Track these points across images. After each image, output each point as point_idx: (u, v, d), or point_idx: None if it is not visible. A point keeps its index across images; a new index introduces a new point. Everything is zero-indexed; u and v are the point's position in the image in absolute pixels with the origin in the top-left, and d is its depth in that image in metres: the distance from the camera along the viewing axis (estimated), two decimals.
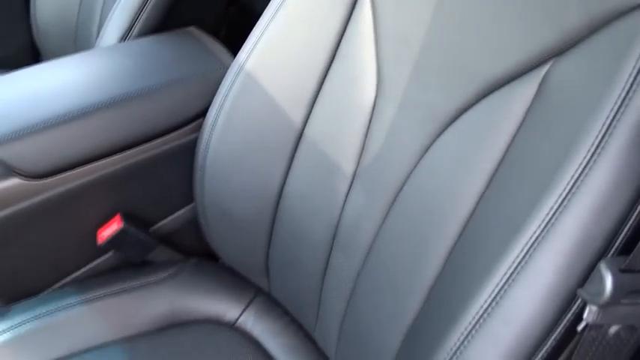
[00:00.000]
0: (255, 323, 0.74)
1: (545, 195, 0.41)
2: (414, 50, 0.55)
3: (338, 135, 0.61)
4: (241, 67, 0.67)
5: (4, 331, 0.67)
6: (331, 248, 0.63)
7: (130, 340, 0.70)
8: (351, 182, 0.60)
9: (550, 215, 0.40)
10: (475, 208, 0.48)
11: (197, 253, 0.82)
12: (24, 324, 0.68)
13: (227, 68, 0.70)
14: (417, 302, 0.51)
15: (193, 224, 0.79)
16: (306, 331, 0.73)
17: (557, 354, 0.41)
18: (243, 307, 0.75)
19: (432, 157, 0.53)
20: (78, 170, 0.69)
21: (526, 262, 0.41)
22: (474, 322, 0.42)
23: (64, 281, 0.77)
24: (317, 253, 0.64)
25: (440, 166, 0.52)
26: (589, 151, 0.39)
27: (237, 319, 0.74)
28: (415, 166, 0.54)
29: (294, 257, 0.68)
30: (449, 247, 0.49)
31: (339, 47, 0.62)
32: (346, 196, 0.60)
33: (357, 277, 0.59)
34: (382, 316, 0.55)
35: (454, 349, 0.43)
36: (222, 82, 0.69)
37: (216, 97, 0.70)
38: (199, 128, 0.72)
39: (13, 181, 0.67)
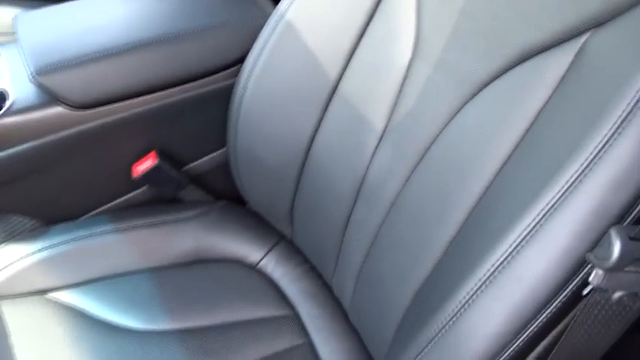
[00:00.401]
0: (275, 267, 0.77)
1: (567, 162, 0.42)
2: (455, 12, 0.55)
3: (371, 91, 0.62)
4: (282, 17, 0.68)
5: (42, 250, 0.72)
6: (355, 201, 0.65)
7: (156, 271, 0.74)
8: (380, 138, 0.61)
9: (570, 182, 0.41)
10: (499, 171, 0.49)
11: (226, 196, 0.85)
12: (60, 245, 0.72)
13: (268, 17, 0.71)
14: (434, 258, 0.53)
15: (224, 168, 0.81)
16: (324, 279, 0.76)
17: (562, 315, 0.43)
18: (265, 251, 0.78)
19: (462, 119, 0.54)
20: (119, 104, 0.72)
21: (541, 225, 0.42)
22: (484, 278, 0.44)
23: (99, 210, 0.80)
24: (341, 205, 0.66)
25: (469, 129, 0.53)
26: (615, 123, 0.39)
27: (259, 261, 0.77)
28: (444, 127, 0.55)
29: (319, 207, 0.70)
30: (470, 207, 0.51)
31: (381, 4, 0.62)
32: (374, 152, 0.62)
33: (378, 230, 0.61)
34: (398, 269, 0.57)
35: (463, 301, 0.45)
36: (263, 31, 0.70)
37: (255, 44, 0.71)
38: (237, 74, 0.74)
39: (57, 110, 0.70)
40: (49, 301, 0.69)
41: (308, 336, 0.70)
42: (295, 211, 0.75)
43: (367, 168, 0.63)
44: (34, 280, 0.70)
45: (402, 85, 0.60)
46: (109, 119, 0.72)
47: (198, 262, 0.76)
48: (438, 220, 0.53)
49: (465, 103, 0.54)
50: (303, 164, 0.70)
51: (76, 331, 0.66)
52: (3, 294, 0.68)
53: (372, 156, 0.62)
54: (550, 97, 0.47)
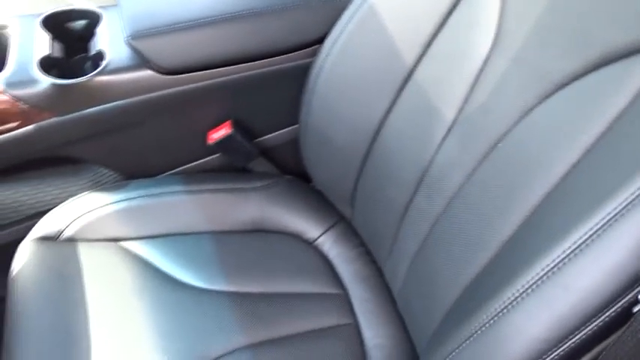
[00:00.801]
0: (332, 246, 0.78)
1: (634, 175, 0.40)
2: (540, 7, 0.53)
3: (445, 80, 0.61)
4: (365, 1, 0.68)
5: (120, 201, 0.77)
6: (416, 189, 0.64)
7: (219, 234, 0.77)
8: (449, 130, 0.61)
9: (635, 195, 0.39)
10: (565, 175, 0.48)
11: (292, 172, 0.87)
12: (137, 199, 0.77)
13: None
14: (488, 255, 0.52)
15: (293, 144, 0.83)
16: (377, 265, 0.76)
17: (608, 332, 0.41)
18: (324, 229, 0.79)
19: (534, 118, 0.52)
20: (203, 73, 0.75)
21: (598, 236, 0.40)
22: (532, 282, 0.43)
23: (174, 171, 0.85)
24: (402, 193, 0.66)
25: (540, 129, 0.51)
26: None
27: (317, 239, 0.79)
28: (515, 124, 0.54)
29: (380, 192, 0.70)
30: (531, 208, 0.49)
31: None
32: (441, 142, 0.61)
33: (436, 222, 0.61)
34: (451, 263, 0.57)
35: (507, 302, 0.44)
36: (344, 13, 0.71)
37: (336, 26, 0.72)
38: (315, 53, 0.75)
39: (147, 73, 0.74)
40: (121, 249, 0.74)
41: (355, 317, 0.71)
42: (357, 194, 0.75)
43: (432, 158, 0.62)
44: (109, 228, 0.75)
45: (478, 77, 0.59)
46: (191, 86, 0.76)
47: (259, 231, 0.79)
48: (497, 218, 0.52)
49: (540, 102, 0.52)
50: (370, 148, 0.71)
51: (141, 279, 0.70)
52: (82, 237, 0.74)
53: (439, 146, 0.62)
54: (629, 106, 0.45)
